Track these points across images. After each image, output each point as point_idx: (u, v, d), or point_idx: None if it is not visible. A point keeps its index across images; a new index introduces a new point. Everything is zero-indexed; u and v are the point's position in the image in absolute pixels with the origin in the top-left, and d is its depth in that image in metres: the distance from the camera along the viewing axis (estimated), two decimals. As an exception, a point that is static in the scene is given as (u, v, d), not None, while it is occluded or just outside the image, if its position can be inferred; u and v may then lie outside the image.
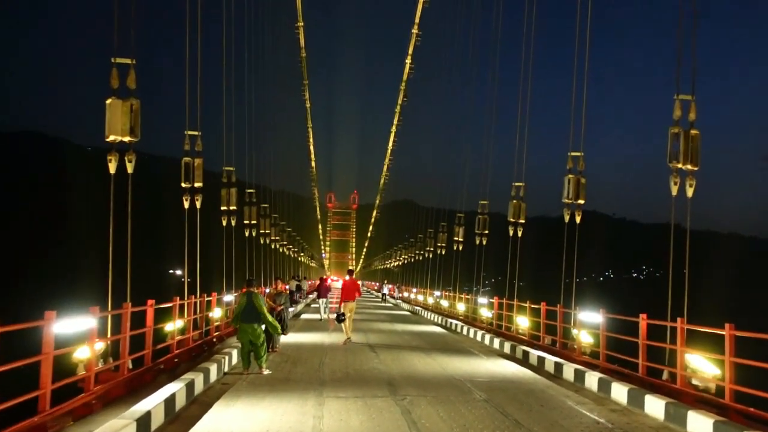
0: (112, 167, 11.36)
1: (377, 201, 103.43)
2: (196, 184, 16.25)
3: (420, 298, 44.47)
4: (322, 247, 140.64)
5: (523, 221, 21.86)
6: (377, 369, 13.14)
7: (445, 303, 34.44)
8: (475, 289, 31.48)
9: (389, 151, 78.74)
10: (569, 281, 17.64)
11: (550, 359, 13.77)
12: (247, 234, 27.51)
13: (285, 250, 45.67)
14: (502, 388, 11.15)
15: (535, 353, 14.92)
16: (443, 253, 39.93)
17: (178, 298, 13.45)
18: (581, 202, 16.73)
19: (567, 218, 16.86)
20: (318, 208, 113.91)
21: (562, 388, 11.41)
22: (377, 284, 77.99)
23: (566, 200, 16.73)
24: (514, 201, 21.93)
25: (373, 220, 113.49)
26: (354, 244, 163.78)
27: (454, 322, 26.23)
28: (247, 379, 11.55)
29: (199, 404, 9.32)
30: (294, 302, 35.97)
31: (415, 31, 57.79)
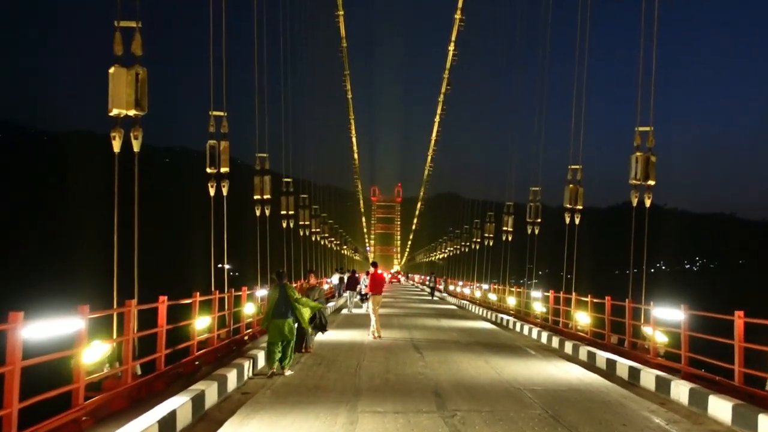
0: (117, 145, 9.92)
1: (421, 193, 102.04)
2: (223, 169, 15.03)
3: (466, 291, 42.58)
4: (367, 241, 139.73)
5: (580, 207, 20.02)
6: (422, 374, 11.48)
7: (493, 296, 32.58)
8: (526, 281, 29.65)
9: (433, 142, 77.16)
10: (625, 273, 15.94)
11: (623, 363, 11.86)
12: (284, 225, 26.30)
13: (327, 242, 44.41)
14: (570, 400, 9.37)
15: (603, 355, 13.02)
16: (490, 244, 38.21)
17: (198, 293, 12.08)
18: (651, 183, 14.98)
19: (634, 201, 15.11)
20: (362, 202, 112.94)
21: (644, 399, 9.53)
22: (424, 277, 75.92)
23: (634, 181, 15.05)
24: (571, 185, 20.10)
25: (417, 212, 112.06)
26: (399, 237, 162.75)
27: (504, 317, 24.40)
28: (271, 387, 10.04)
29: (208, 422, 7.81)
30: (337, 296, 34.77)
31: (458, 16, 56.08)
